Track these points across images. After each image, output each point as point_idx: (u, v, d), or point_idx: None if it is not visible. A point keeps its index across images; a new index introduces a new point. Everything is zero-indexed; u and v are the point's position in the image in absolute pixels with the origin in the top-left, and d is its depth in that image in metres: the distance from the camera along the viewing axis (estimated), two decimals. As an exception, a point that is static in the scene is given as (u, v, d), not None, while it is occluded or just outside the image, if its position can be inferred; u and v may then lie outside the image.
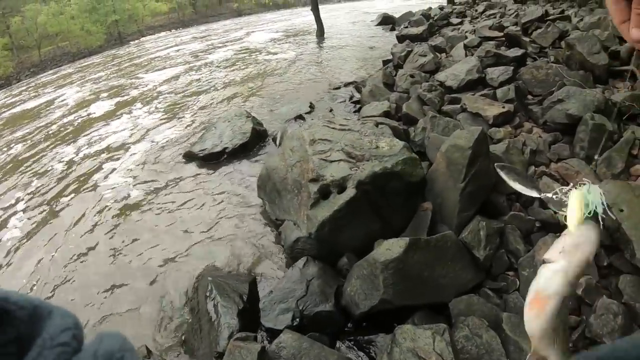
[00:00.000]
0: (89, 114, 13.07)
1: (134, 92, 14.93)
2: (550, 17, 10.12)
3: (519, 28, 10.07)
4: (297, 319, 3.53)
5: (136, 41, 42.54)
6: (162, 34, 48.13)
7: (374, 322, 3.47)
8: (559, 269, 0.92)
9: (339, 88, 10.72)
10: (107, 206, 6.71)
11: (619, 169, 4.16)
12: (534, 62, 7.10)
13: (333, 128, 5.04)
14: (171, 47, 28.09)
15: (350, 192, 3.97)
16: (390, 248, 3.31)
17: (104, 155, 8.95)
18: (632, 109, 4.93)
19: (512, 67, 6.89)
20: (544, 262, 0.97)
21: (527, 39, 8.64)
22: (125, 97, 14.42)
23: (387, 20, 24.05)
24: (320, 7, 21.71)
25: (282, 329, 3.34)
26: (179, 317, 4.20)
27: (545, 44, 8.23)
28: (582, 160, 4.37)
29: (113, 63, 25.42)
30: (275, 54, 18.04)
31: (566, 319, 0.98)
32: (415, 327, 2.93)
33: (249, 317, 3.66)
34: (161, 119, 10.80)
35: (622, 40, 7.01)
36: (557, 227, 3.70)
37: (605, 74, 6.32)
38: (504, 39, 9.18)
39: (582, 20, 9.00)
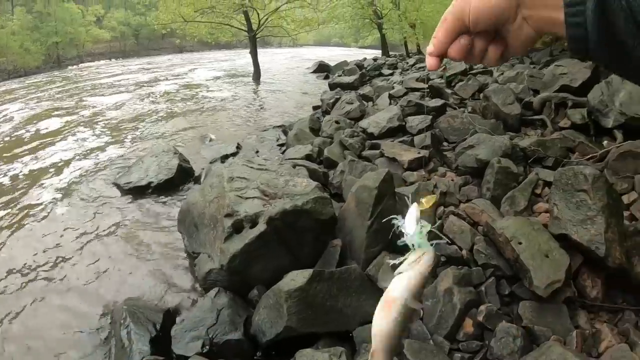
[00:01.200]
0: (28, 132, 13.01)
1: (76, 115, 15.05)
2: (474, 71, 10.97)
3: (443, 80, 10.82)
4: (207, 347, 3.70)
5: (75, 67, 42.13)
6: (102, 62, 47.92)
7: (281, 350, 3.63)
8: (403, 277, 1.10)
9: (267, 130, 11.20)
10: (25, 231, 6.68)
11: (522, 207, 4.60)
12: (451, 112, 7.69)
13: (251, 167, 5.31)
14: (117, 75, 28.55)
15: (261, 227, 4.20)
16: (294, 279, 3.54)
17: (32, 176, 8.98)
18: (537, 152, 5.49)
19: (430, 116, 7.46)
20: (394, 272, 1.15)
21: (449, 91, 9.34)
22: (67, 119, 14.46)
23: (322, 68, 25.16)
24: (262, 50, 22.63)
25: (192, 356, 3.53)
26: (92, 344, 4.25)
27: (465, 95, 8.94)
28: (488, 200, 4.80)
29: (61, 84, 25.51)
30: (213, 92, 18.75)
31: (404, 329, 1.16)
32: (315, 351, 3.14)
33: (161, 344, 3.81)
34: (96, 146, 10.93)
35: (535, 93, 7.75)
36: (460, 260, 4.05)
37: (518, 122, 6.98)
38: (428, 90, 9.85)
39: (502, 74, 9.81)
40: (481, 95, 8.13)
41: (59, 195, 7.81)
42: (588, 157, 5.54)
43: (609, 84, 6.28)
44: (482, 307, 3.41)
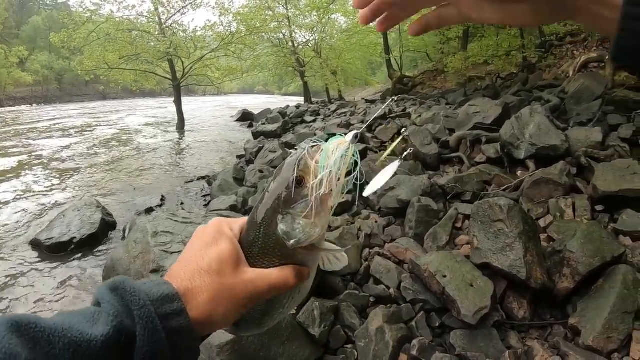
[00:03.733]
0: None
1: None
2: (393, 115, 11.45)
3: (364, 126, 11.19)
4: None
5: None
6: (24, 107, 46.22)
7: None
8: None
9: (191, 182, 11.16)
10: None
11: (444, 242, 4.81)
12: (372, 155, 7.98)
13: (176, 221, 5.30)
14: (49, 120, 28.63)
15: (186, 282, 4.18)
16: (224, 332, 3.51)
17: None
18: (455, 188, 5.78)
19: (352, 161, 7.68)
20: None
21: (370, 135, 9.67)
22: None
23: (246, 117, 25.60)
24: (190, 98, 22.87)
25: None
26: None
27: (385, 138, 9.32)
28: (411, 238, 4.99)
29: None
30: (138, 140, 18.90)
31: None
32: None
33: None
34: (18, 196, 10.52)
35: (451, 132, 8.16)
36: (388, 299, 4.16)
37: (437, 161, 7.35)
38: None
39: (420, 116, 10.27)
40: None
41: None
42: (504, 187, 5.90)
43: (518, 119, 6.76)
44: (415, 342, 3.51)
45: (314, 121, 17.09)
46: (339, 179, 0.78)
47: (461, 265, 3.96)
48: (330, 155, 0.77)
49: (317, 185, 0.76)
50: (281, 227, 0.79)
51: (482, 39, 20.26)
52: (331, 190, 0.77)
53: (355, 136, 0.77)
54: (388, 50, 26.77)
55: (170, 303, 0.67)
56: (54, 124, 25.94)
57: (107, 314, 0.61)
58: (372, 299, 4.26)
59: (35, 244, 7.40)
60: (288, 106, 25.15)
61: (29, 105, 49.07)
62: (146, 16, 22.51)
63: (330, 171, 0.76)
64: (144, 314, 0.63)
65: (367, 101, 22.59)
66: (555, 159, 5.99)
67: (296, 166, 0.79)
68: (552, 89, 11.41)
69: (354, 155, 0.80)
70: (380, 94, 29.60)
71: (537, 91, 11.92)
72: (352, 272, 4.58)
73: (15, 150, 17.02)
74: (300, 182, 0.78)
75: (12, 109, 44.58)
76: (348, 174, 0.80)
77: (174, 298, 0.68)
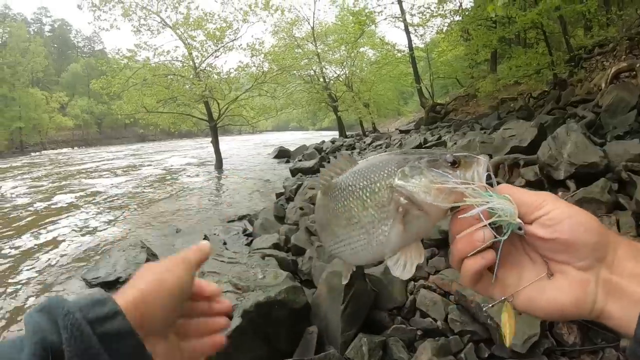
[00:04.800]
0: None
1: (54, 199, 15.62)
2: (428, 144, 11.43)
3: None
4: None
5: (37, 153, 42.10)
6: (65, 150, 47.72)
7: None
8: None
9: (233, 221, 11.22)
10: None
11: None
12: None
13: (222, 261, 5.37)
14: (97, 161, 29.85)
15: (236, 320, 4.21)
16: (269, 370, 3.55)
17: None
18: (496, 216, 5.71)
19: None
20: None
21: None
22: (48, 204, 14.85)
23: (282, 154, 25.75)
24: (226, 138, 23.39)
25: None
26: None
27: (423, 167, 9.25)
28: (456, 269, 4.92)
29: (48, 167, 26.64)
30: (177, 181, 19.36)
31: None
32: None
33: None
34: (73, 232, 11.02)
35: (489, 157, 8.09)
36: (436, 332, 4.11)
37: (475, 189, 7.23)
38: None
39: (455, 143, 10.22)
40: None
41: (23, 295, 7.50)
42: (546, 211, 5.78)
43: (555, 139, 6.65)
44: (465, 375, 3.47)
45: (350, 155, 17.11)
46: (479, 212, 0.71)
47: (508, 294, 3.91)
48: (499, 199, 0.72)
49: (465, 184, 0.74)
50: (405, 168, 0.77)
51: (511, 59, 20.09)
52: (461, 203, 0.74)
53: (520, 228, 0.72)
54: (418, 79, 26.89)
55: (101, 306, 0.64)
56: (101, 165, 26.90)
57: (30, 332, 0.57)
58: (419, 332, 4.23)
59: (82, 282, 7.59)
60: (323, 141, 25.28)
61: (70, 148, 50.81)
62: (181, 61, 23.10)
63: (489, 201, 0.71)
64: (68, 321, 0.59)
65: (401, 131, 22.60)
66: (595, 177, 5.84)
67: (461, 155, 0.79)
68: (586, 103, 11.23)
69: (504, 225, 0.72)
70: (414, 123, 29.61)
71: (571, 107, 11.75)
72: (398, 306, 4.57)
73: (69, 189, 17.83)
74: (454, 164, 0.77)
75: (55, 151, 46.17)
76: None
77: (106, 301, 0.65)
